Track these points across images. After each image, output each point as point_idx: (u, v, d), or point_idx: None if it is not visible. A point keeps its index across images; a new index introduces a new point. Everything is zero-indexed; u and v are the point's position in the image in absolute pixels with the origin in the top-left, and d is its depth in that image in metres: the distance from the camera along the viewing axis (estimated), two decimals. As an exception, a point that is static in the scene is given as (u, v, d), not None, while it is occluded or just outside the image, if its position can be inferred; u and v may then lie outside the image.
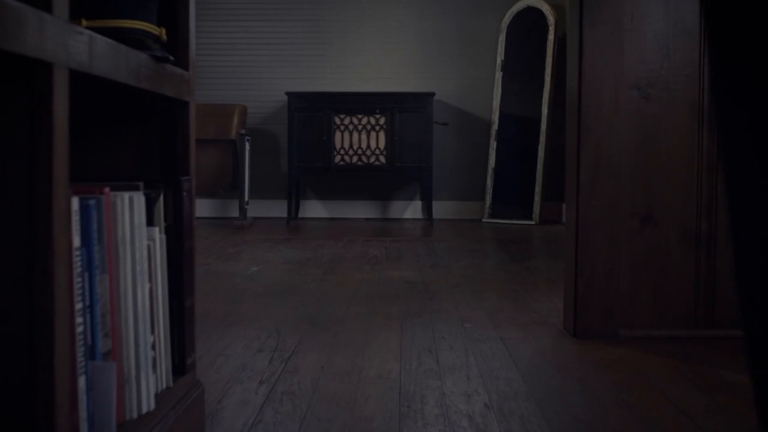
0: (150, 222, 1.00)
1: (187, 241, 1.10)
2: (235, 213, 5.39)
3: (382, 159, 5.07)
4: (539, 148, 5.14)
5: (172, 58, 0.99)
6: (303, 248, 3.67)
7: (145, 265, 0.95)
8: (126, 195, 0.89)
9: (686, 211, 1.79)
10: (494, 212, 5.29)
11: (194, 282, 1.14)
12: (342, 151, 5.08)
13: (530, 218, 5.11)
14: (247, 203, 4.92)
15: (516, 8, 5.30)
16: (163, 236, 1.03)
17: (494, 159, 5.30)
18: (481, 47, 5.50)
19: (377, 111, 5.06)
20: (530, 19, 5.28)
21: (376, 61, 5.53)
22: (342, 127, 5.08)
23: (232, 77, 5.56)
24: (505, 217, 5.22)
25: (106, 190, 0.85)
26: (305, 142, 5.08)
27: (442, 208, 5.51)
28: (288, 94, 5.11)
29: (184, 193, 1.09)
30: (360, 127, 5.09)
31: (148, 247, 0.97)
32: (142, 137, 1.15)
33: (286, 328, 1.89)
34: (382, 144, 5.08)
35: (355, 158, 5.08)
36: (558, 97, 5.23)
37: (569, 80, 1.85)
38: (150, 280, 0.98)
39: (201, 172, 4.95)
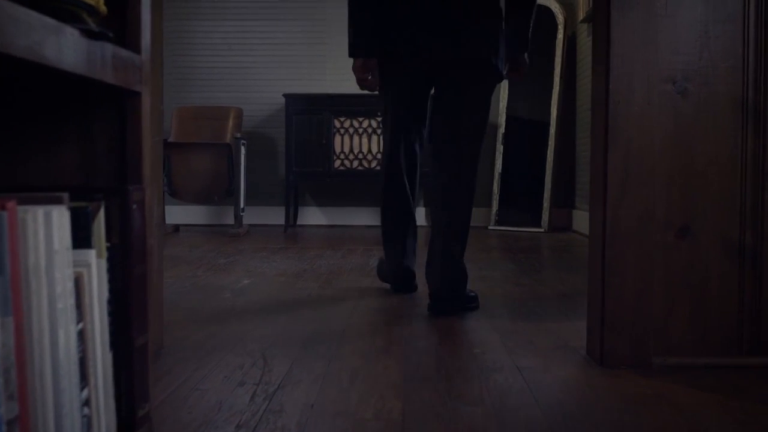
0: (86, 243, 0.79)
1: (137, 266, 0.89)
2: (230, 220, 5.17)
3: (384, 164, 4.85)
4: (548, 152, 4.92)
5: (110, 34, 0.78)
6: (299, 258, 3.46)
7: (71, 301, 0.73)
8: (40, 210, 0.68)
9: (729, 222, 1.57)
10: (501, 219, 5.07)
11: (148, 315, 0.92)
12: (342, 156, 4.87)
13: (539, 225, 4.89)
14: (243, 210, 4.71)
15: (523, 6, 5.09)
16: (103, 261, 0.82)
17: (501, 164, 5.08)
18: (486, 47, 5.29)
19: (379, 113, 4.83)
20: (539, 17, 5.06)
21: (377, 62, 5.31)
22: (342, 131, 4.87)
23: (227, 78, 5.35)
24: (513, 224, 5.00)
25: (10, 204, 0.64)
26: (303, 146, 4.87)
27: (446, 215, 5.29)
28: (285, 96, 4.90)
29: (134, 206, 0.88)
30: (361, 130, 4.87)
31: (78, 276, 0.75)
32: (86, 138, 0.94)
33: (273, 354, 1.68)
34: (383, 148, 4.85)
35: (355, 163, 4.87)
36: (568, 98, 5.02)
37: (594, 73, 1.63)
38: (82, 319, 0.77)
39: (194, 178, 4.73)
